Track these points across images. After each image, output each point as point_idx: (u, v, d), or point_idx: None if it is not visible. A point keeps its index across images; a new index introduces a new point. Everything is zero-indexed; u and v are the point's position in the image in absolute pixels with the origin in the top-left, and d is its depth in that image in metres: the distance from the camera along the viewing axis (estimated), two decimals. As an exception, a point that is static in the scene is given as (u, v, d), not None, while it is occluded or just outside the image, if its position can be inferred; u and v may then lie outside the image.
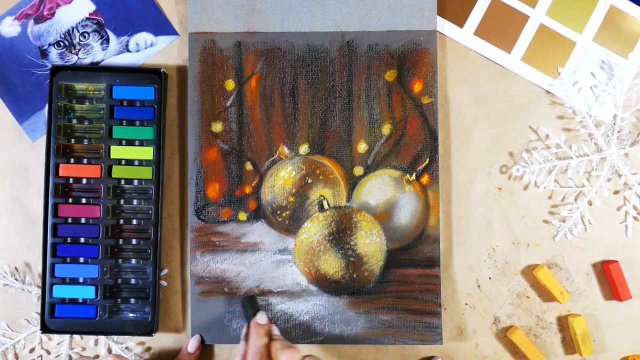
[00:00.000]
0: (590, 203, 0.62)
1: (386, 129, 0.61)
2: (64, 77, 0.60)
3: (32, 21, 0.63)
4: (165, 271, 0.62)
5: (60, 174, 0.60)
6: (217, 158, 0.61)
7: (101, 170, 0.61)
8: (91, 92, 0.62)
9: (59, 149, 0.61)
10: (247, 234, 0.61)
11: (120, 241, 0.61)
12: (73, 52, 0.62)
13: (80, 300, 0.61)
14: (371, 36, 0.61)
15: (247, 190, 0.61)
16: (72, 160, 0.61)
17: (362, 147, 0.61)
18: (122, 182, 0.61)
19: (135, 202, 0.61)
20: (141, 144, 0.61)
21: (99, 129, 0.61)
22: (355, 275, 0.61)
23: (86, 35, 0.62)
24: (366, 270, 0.60)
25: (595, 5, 0.62)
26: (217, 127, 0.61)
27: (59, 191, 0.60)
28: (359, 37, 0.61)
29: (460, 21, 0.62)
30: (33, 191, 0.63)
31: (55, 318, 0.60)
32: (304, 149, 0.61)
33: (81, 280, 0.61)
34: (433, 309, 0.60)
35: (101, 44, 0.63)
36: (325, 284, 0.61)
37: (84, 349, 0.62)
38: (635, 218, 0.62)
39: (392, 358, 0.62)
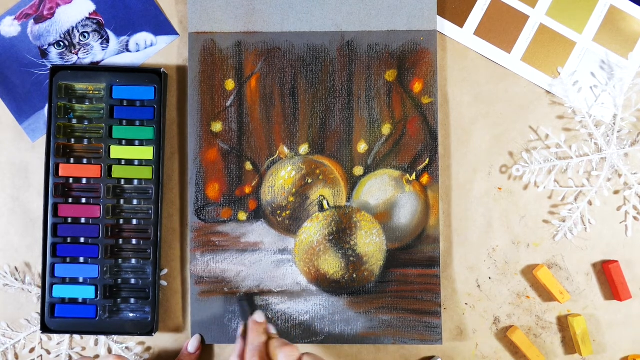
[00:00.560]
0: (590, 203, 0.62)
1: (386, 129, 0.61)
2: (64, 77, 0.60)
3: (32, 21, 0.63)
4: (165, 271, 0.62)
5: (60, 174, 0.60)
6: (217, 158, 0.61)
7: (101, 170, 0.61)
8: (91, 92, 0.62)
9: (59, 149, 0.61)
10: (247, 234, 0.61)
11: (120, 241, 0.61)
12: (73, 52, 0.62)
13: (80, 300, 0.61)
14: (371, 36, 0.61)
15: (247, 190, 0.61)
16: (72, 160, 0.61)
17: (362, 147, 0.61)
18: (122, 182, 0.61)
19: (135, 202, 0.61)
20: (141, 144, 0.61)
21: (99, 129, 0.61)
22: (355, 275, 0.61)
23: (86, 35, 0.62)
24: (366, 270, 0.60)
25: (595, 5, 0.62)
26: (217, 127, 0.61)
27: (59, 191, 0.60)
28: (359, 37, 0.61)
29: (460, 21, 0.62)
30: (33, 191, 0.63)
31: (55, 318, 0.60)
32: (304, 149, 0.61)
33: (81, 280, 0.61)
34: (433, 309, 0.60)
35: (101, 44, 0.63)
36: (325, 284, 0.61)
37: (84, 349, 0.62)
38: (635, 218, 0.62)
39: (392, 358, 0.62)
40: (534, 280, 0.62)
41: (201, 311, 0.61)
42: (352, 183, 0.61)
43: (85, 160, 0.61)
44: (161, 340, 0.62)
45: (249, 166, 0.61)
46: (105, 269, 0.60)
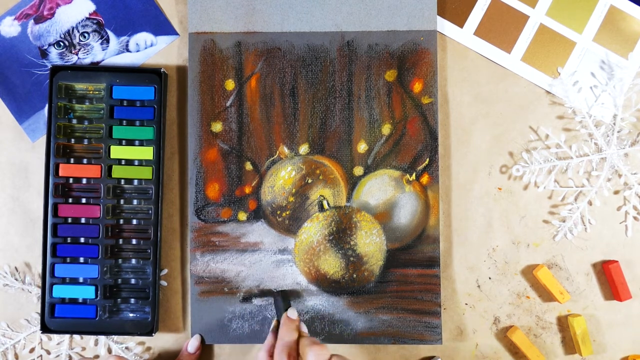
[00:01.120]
0: (590, 203, 0.62)
1: (386, 129, 0.61)
2: (64, 77, 0.60)
3: (32, 21, 0.63)
4: (165, 271, 0.62)
5: (60, 174, 0.60)
6: (217, 158, 0.61)
7: (101, 170, 0.61)
8: (91, 92, 0.62)
9: (59, 149, 0.61)
10: (247, 234, 0.61)
11: (120, 241, 0.61)
12: (73, 52, 0.62)
13: (80, 300, 0.61)
14: (371, 36, 0.61)
15: (247, 190, 0.61)
16: (72, 160, 0.61)
17: (362, 147, 0.61)
18: (122, 182, 0.61)
19: (135, 202, 0.61)
20: (141, 144, 0.61)
21: (99, 129, 0.61)
22: (355, 275, 0.61)
23: (86, 35, 0.62)
24: (366, 270, 0.60)
25: (595, 5, 0.62)
26: (217, 127, 0.61)
27: (59, 191, 0.60)
28: (359, 37, 0.61)
29: (460, 21, 0.62)
30: (33, 191, 0.63)
31: (55, 318, 0.60)
32: (304, 149, 0.61)
33: (81, 280, 0.61)
34: (433, 308, 0.60)
35: (101, 44, 0.63)
36: (325, 284, 0.61)
37: (84, 349, 0.62)
38: (635, 218, 0.62)
39: (392, 358, 0.62)
40: (534, 280, 0.62)
41: (201, 311, 0.61)
42: (352, 183, 0.61)
43: (85, 160, 0.61)
44: (161, 340, 0.62)
45: (249, 166, 0.61)
46: (105, 269, 0.60)
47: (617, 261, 0.61)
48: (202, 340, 0.61)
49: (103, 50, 0.63)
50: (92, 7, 0.63)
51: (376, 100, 0.61)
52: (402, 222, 0.61)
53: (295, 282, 0.61)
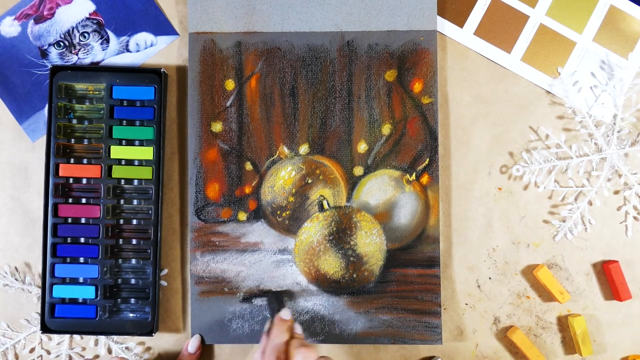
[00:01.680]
0: (590, 203, 0.62)
1: (386, 129, 0.61)
2: (64, 77, 0.60)
3: (32, 21, 0.63)
4: (165, 271, 0.62)
5: (60, 174, 0.60)
6: (217, 158, 0.61)
7: (101, 170, 0.61)
8: (91, 92, 0.62)
9: (59, 149, 0.61)
10: (247, 234, 0.61)
11: (120, 241, 0.61)
12: (73, 52, 0.62)
13: (80, 300, 0.61)
14: (371, 36, 0.61)
15: (247, 190, 0.61)
16: (72, 160, 0.61)
17: (362, 147, 0.61)
18: (122, 182, 0.61)
19: (135, 202, 0.61)
20: (141, 144, 0.61)
21: (99, 129, 0.61)
22: (355, 275, 0.61)
23: (86, 35, 0.62)
24: (366, 270, 0.60)
25: (595, 5, 0.62)
26: (217, 127, 0.61)
27: (59, 191, 0.60)
28: (359, 37, 0.61)
29: (460, 21, 0.62)
30: (33, 191, 0.63)
31: (55, 318, 0.60)
32: (304, 149, 0.61)
33: (81, 280, 0.61)
34: (433, 309, 0.60)
35: (101, 44, 0.63)
36: (325, 284, 0.61)
37: (84, 349, 0.62)
38: (635, 218, 0.62)
39: (392, 358, 0.62)
40: (534, 280, 0.62)
41: (201, 311, 0.61)
42: (352, 183, 0.61)
43: (85, 160, 0.61)
44: (161, 340, 0.62)
45: (249, 166, 0.61)
46: (105, 269, 0.60)
47: (617, 261, 0.61)
48: (202, 340, 0.61)
49: (103, 50, 0.63)
50: (92, 7, 0.63)
51: (376, 100, 0.61)
52: (402, 222, 0.61)
53: (295, 282, 0.61)
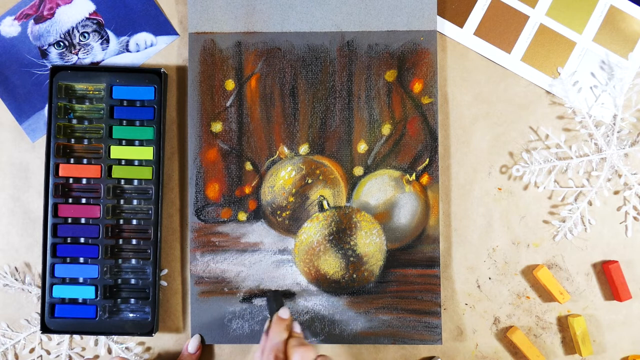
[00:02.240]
0: (590, 203, 0.62)
1: (386, 129, 0.61)
2: (64, 77, 0.60)
3: (32, 21, 0.63)
4: (165, 271, 0.62)
5: (60, 174, 0.60)
6: (217, 158, 0.61)
7: (101, 170, 0.61)
8: (91, 92, 0.62)
9: (59, 149, 0.61)
10: (247, 234, 0.61)
11: (120, 241, 0.61)
12: (73, 52, 0.62)
13: (80, 300, 0.61)
14: (371, 36, 0.61)
15: (247, 190, 0.61)
16: (72, 160, 0.61)
17: (362, 147, 0.61)
18: (122, 182, 0.61)
19: (135, 202, 0.61)
20: (141, 144, 0.61)
21: (99, 129, 0.61)
22: (355, 275, 0.61)
23: (86, 35, 0.62)
24: (366, 270, 0.60)
25: (595, 5, 0.62)
26: (217, 127, 0.61)
27: (59, 191, 0.60)
28: (359, 37, 0.61)
29: (460, 21, 0.62)
30: (33, 191, 0.63)
31: (55, 318, 0.60)
32: (304, 149, 0.61)
33: (81, 280, 0.61)
34: (433, 309, 0.60)
35: (101, 44, 0.63)
36: (325, 284, 0.61)
37: (84, 349, 0.62)
38: (635, 218, 0.62)
39: (392, 358, 0.62)
40: (534, 280, 0.62)
41: (201, 311, 0.61)
42: (352, 183, 0.61)
43: (85, 161, 0.61)
44: (161, 341, 0.62)
45: (249, 166, 0.61)
46: (105, 269, 0.60)
47: (617, 261, 0.61)
48: (202, 340, 0.61)
49: (103, 50, 0.63)
50: (92, 7, 0.63)
51: (376, 100, 0.61)
52: (402, 222, 0.61)
53: (295, 282, 0.61)
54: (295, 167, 0.61)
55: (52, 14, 0.62)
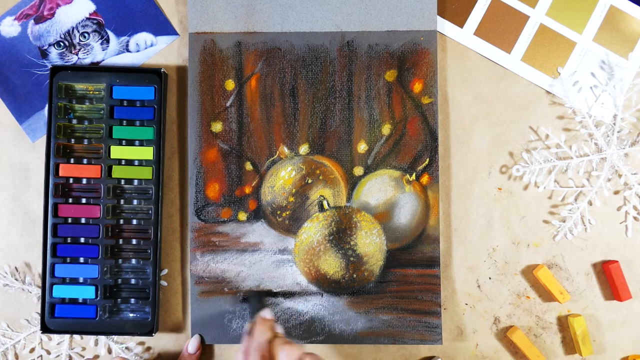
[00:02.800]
0: (590, 203, 0.62)
1: (386, 129, 0.61)
2: (64, 77, 0.60)
3: (32, 21, 0.63)
4: (165, 271, 0.62)
5: (60, 174, 0.60)
6: (217, 158, 0.61)
7: (101, 170, 0.61)
8: (91, 92, 0.62)
9: (59, 149, 0.61)
10: (247, 234, 0.61)
11: (120, 241, 0.61)
12: (73, 52, 0.63)
13: (80, 300, 0.61)
14: (371, 36, 0.61)
15: (247, 190, 0.61)
16: (72, 160, 0.61)
17: (362, 147, 0.61)
18: (122, 182, 0.61)
19: (135, 202, 0.61)
20: (141, 144, 0.61)
21: (99, 129, 0.61)
22: (355, 275, 0.61)
23: (86, 35, 0.62)
24: (366, 270, 0.60)
25: (595, 5, 0.62)
26: (217, 127, 0.61)
27: (59, 191, 0.60)
28: (359, 37, 0.61)
29: (460, 21, 0.62)
30: (33, 191, 0.63)
31: (55, 318, 0.60)
32: (304, 149, 0.61)
33: (81, 280, 0.61)
34: (433, 309, 0.60)
35: (101, 44, 0.63)
36: (325, 284, 0.61)
37: (84, 349, 0.62)
38: (635, 218, 0.62)
39: (392, 358, 0.62)
40: (534, 280, 0.62)
41: (201, 311, 0.61)
42: (352, 183, 0.61)
43: (85, 160, 0.61)
44: (161, 340, 0.62)
45: (249, 166, 0.61)
46: (105, 269, 0.60)
47: (617, 261, 0.61)
48: (202, 340, 0.61)
49: (103, 50, 0.63)
50: (92, 7, 0.63)
51: (376, 100, 0.61)
52: (402, 222, 0.61)
53: (295, 282, 0.61)
54: (296, 167, 0.61)
55: (52, 14, 0.62)
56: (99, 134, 0.61)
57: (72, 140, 0.61)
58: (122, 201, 0.61)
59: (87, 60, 0.63)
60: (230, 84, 0.61)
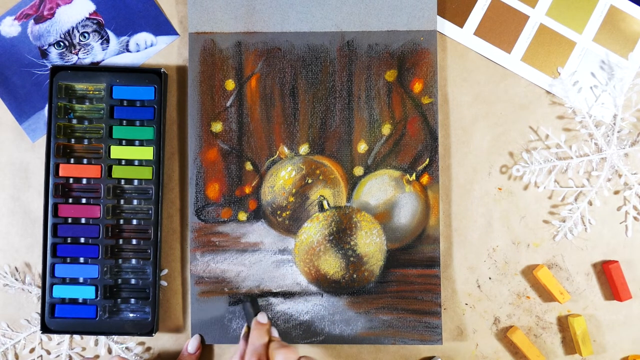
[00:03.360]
0: (590, 203, 0.62)
1: (386, 129, 0.61)
2: (64, 77, 0.60)
3: (32, 21, 0.63)
4: (165, 271, 0.62)
5: (60, 174, 0.60)
6: (217, 158, 0.61)
7: (101, 170, 0.61)
8: (91, 92, 0.62)
9: (59, 149, 0.61)
10: (247, 234, 0.61)
11: (120, 241, 0.61)
12: (73, 52, 0.63)
13: (80, 300, 0.61)
14: (371, 36, 0.61)
15: (247, 190, 0.61)
16: (72, 160, 0.61)
17: (362, 147, 0.61)
18: (122, 182, 0.61)
19: (135, 202, 0.61)
20: (141, 144, 0.61)
21: (99, 129, 0.61)
22: (355, 275, 0.61)
23: (86, 35, 0.62)
24: (366, 270, 0.60)
25: (595, 5, 0.62)
26: (217, 127, 0.61)
27: (59, 191, 0.60)
28: (359, 37, 0.61)
29: (460, 21, 0.62)
30: (33, 191, 0.63)
31: (55, 318, 0.60)
32: (304, 149, 0.61)
33: (81, 280, 0.61)
34: (433, 309, 0.60)
35: (101, 44, 0.63)
36: (325, 284, 0.61)
37: (84, 349, 0.62)
38: (635, 218, 0.62)
39: (392, 358, 0.62)
40: (534, 280, 0.62)
41: (201, 311, 0.61)
42: (352, 183, 0.61)
43: (85, 161, 0.61)
44: (161, 340, 0.62)
45: (249, 166, 0.61)
46: (105, 269, 0.60)
47: (617, 261, 0.61)
48: (202, 340, 0.61)
49: (103, 50, 0.63)
50: (92, 7, 0.63)
51: (376, 100, 0.61)
52: (402, 222, 0.61)
53: (296, 282, 0.61)
54: (296, 167, 0.61)
55: (52, 14, 0.62)
56: (99, 134, 0.61)
57: (72, 140, 0.61)
58: (122, 201, 0.61)
59: (87, 60, 0.63)
60: (230, 84, 0.61)
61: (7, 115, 0.63)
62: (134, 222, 0.61)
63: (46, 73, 0.62)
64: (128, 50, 0.63)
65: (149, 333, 0.60)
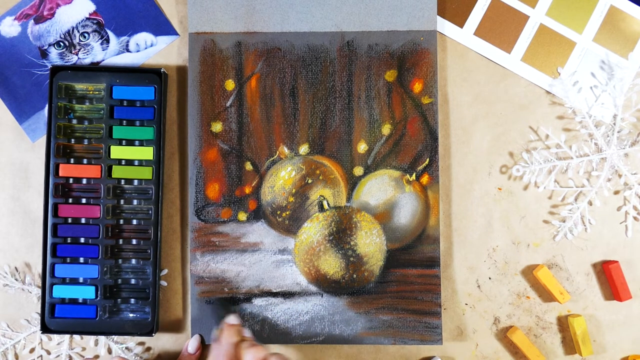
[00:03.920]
0: (590, 203, 0.62)
1: (386, 129, 0.61)
2: (64, 77, 0.60)
3: (32, 21, 0.63)
4: (165, 271, 0.62)
5: (60, 174, 0.60)
6: (217, 158, 0.61)
7: (101, 170, 0.61)
8: (91, 92, 0.62)
9: (59, 149, 0.61)
10: (247, 234, 0.61)
11: (120, 241, 0.61)
12: (73, 52, 0.63)
13: (80, 301, 0.61)
14: (371, 36, 0.61)
15: (247, 190, 0.61)
16: (72, 160, 0.61)
17: (362, 147, 0.61)
18: (122, 182, 0.61)
19: (135, 202, 0.61)
20: (141, 144, 0.61)
21: (99, 129, 0.61)
22: (355, 275, 0.61)
23: (86, 35, 0.62)
24: (366, 270, 0.60)
25: (595, 5, 0.62)
26: (217, 127, 0.61)
27: (59, 191, 0.60)
28: (359, 37, 0.61)
29: (460, 21, 0.62)
30: (33, 191, 0.63)
31: (55, 318, 0.60)
32: (304, 149, 0.61)
33: (81, 280, 0.61)
34: (433, 309, 0.60)
35: (101, 44, 0.63)
36: (325, 284, 0.61)
37: (84, 349, 0.62)
38: (635, 218, 0.62)
39: (392, 358, 0.62)
40: (534, 280, 0.62)
41: (201, 311, 0.61)
42: (352, 183, 0.61)
43: (85, 161, 0.61)
44: (161, 340, 0.62)
45: (249, 166, 0.61)
46: (105, 269, 0.60)
47: (617, 261, 0.61)
48: (202, 340, 0.61)
49: (103, 50, 0.63)
50: (92, 7, 0.63)
51: (376, 100, 0.61)
52: (402, 222, 0.61)
53: (295, 282, 0.61)
54: (295, 167, 0.61)
55: (52, 14, 0.62)
56: (99, 134, 0.61)
57: (72, 140, 0.61)
58: (122, 201, 0.61)
59: (87, 60, 0.63)
60: (230, 84, 0.61)
61: (7, 115, 0.63)
62: (134, 222, 0.61)
63: (46, 73, 0.62)
64: (128, 50, 0.63)
65: (149, 333, 0.60)
